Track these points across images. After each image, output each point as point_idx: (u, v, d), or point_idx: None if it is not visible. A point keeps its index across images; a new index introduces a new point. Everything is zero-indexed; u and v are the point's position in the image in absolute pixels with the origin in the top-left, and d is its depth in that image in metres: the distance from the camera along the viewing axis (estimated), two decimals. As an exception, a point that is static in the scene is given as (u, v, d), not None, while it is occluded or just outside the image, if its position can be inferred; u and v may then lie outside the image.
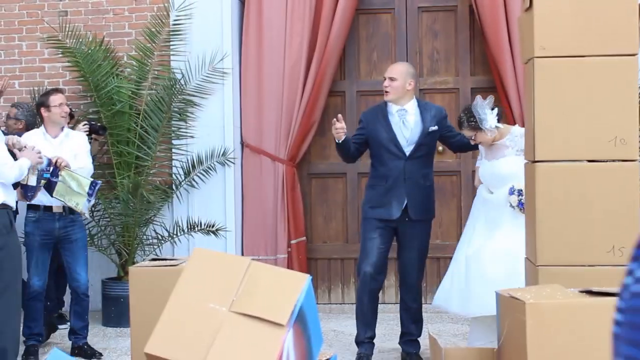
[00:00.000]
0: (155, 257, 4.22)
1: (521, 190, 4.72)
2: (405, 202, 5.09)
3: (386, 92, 5.14)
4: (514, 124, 5.97)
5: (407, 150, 5.10)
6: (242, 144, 6.73)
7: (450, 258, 6.56)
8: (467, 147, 5.38)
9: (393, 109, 5.16)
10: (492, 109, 4.82)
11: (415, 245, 5.15)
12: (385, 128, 5.12)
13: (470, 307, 4.68)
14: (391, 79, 5.11)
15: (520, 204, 4.67)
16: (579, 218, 3.50)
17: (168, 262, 3.88)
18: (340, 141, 5.04)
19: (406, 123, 5.14)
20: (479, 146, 5.05)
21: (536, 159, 3.55)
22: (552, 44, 3.52)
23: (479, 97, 4.87)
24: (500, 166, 4.86)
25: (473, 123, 4.84)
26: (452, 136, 5.32)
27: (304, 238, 6.75)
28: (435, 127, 5.19)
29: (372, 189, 5.19)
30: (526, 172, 3.80)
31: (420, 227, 5.17)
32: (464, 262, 4.83)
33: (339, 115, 5.07)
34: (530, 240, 3.68)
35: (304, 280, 2.84)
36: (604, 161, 3.50)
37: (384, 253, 5.15)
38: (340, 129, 4.99)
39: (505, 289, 3.03)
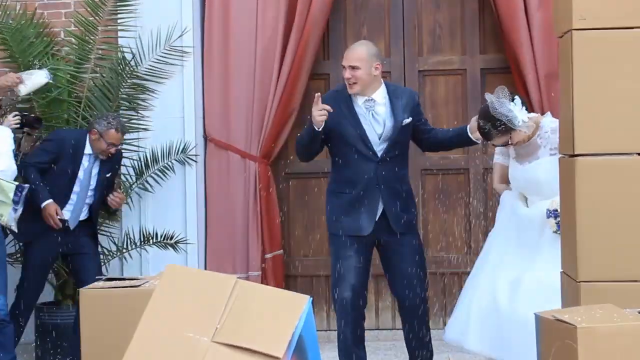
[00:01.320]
0: (110, 276, 4.14)
1: (557, 211, 4.67)
2: (379, 213, 5.05)
3: (349, 84, 5.05)
4: (534, 112, 5.94)
5: (379, 149, 5.06)
6: (206, 138, 6.69)
7: (458, 273, 6.67)
8: (441, 145, 5.36)
9: (359, 99, 5.11)
10: (512, 100, 4.78)
11: (406, 258, 5.09)
12: (352, 122, 5.05)
13: (504, 355, 4.63)
14: (352, 67, 5.02)
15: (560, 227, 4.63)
16: (629, 223, 3.46)
17: (128, 283, 3.81)
18: (320, 129, 4.96)
19: (376, 116, 5.09)
20: (504, 151, 5.00)
21: (576, 153, 3.52)
22: (595, 13, 3.48)
23: (490, 96, 4.79)
24: (536, 171, 4.81)
25: (503, 127, 4.73)
26: (426, 130, 5.27)
27: (281, 251, 6.73)
28: (409, 119, 5.13)
29: (335, 196, 5.14)
30: (562, 169, 3.77)
31: (407, 238, 5.12)
32: (492, 293, 4.76)
33: (317, 94, 4.99)
34: (568, 251, 3.66)
35: (303, 302, 2.84)
36: (658, 155, 3.48)
37: (364, 272, 5.09)
38: (323, 111, 4.90)
39: (547, 311, 2.99)
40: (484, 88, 6.69)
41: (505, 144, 4.88)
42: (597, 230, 3.49)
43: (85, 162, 5.82)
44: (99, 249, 6.33)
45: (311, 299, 2.88)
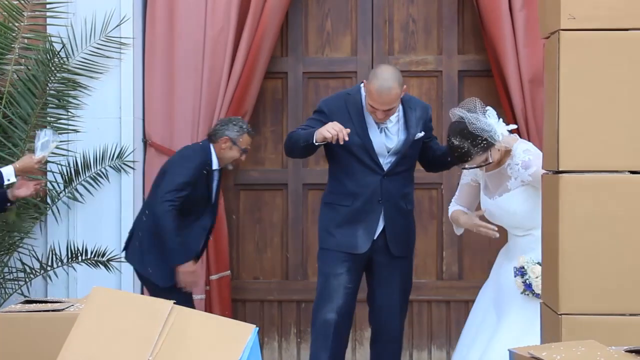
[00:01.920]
0: (29, 299, 4.11)
1: (523, 269, 4.73)
2: (379, 231, 5.14)
3: (380, 120, 5.14)
4: (515, 122, 5.98)
5: (386, 162, 5.15)
6: (145, 142, 6.68)
7: (428, 301, 6.69)
8: (445, 165, 5.44)
9: None
10: (485, 112, 4.81)
11: (397, 284, 5.19)
12: (359, 131, 5.13)
13: None
14: (387, 111, 5.10)
15: (528, 286, 4.69)
16: (617, 249, 3.48)
17: (50, 307, 3.75)
18: (317, 144, 5.01)
19: (387, 131, 5.14)
20: (477, 171, 5.01)
21: (560, 169, 3.54)
22: (585, 12, 3.50)
23: (459, 111, 4.78)
24: (510, 203, 4.84)
25: (484, 144, 4.71)
26: (433, 148, 5.39)
27: (228, 272, 6.73)
28: (422, 133, 5.25)
29: (332, 208, 5.21)
30: (545, 187, 3.79)
31: (402, 262, 5.22)
32: None
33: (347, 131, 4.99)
34: (549, 280, 3.67)
35: (248, 332, 2.84)
36: (652, 173, 3.50)
37: (353, 295, 5.19)
38: (336, 132, 4.92)
39: (523, 347, 3.00)
40: (461, 92, 6.78)
41: (484, 164, 4.83)
42: (581, 257, 3.49)
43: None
44: (20, 265, 6.31)
45: (257, 328, 2.88)
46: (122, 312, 2.83)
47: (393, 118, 5.16)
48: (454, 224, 5.19)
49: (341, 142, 4.92)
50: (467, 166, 4.85)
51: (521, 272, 4.71)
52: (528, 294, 4.72)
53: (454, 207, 5.18)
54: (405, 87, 5.18)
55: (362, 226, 5.11)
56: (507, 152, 4.84)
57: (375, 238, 5.14)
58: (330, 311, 5.09)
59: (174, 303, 2.89)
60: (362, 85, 5.30)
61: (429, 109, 5.43)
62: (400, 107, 5.20)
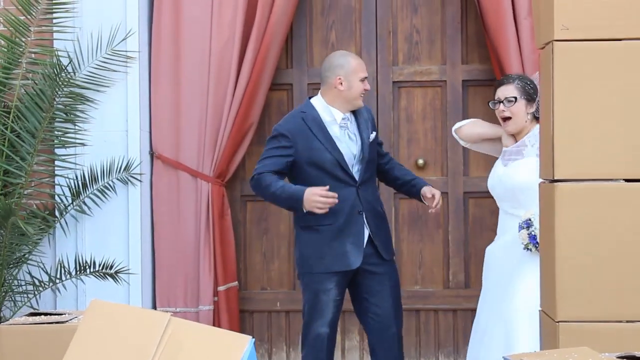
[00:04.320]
0: (35, 311, 4.13)
1: (529, 221, 4.76)
2: (365, 241, 5.16)
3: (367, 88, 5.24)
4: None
5: (356, 172, 5.17)
6: (152, 154, 6.68)
7: (435, 310, 6.70)
8: (391, 182, 5.54)
9: (335, 114, 5.22)
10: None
11: (389, 287, 5.22)
12: (328, 145, 5.15)
13: None
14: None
15: (533, 238, 4.71)
16: (614, 256, 3.50)
17: (53, 319, 3.79)
18: (305, 211, 5.05)
19: (350, 135, 5.20)
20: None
21: (556, 178, 3.56)
22: (579, 22, 3.52)
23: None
24: (517, 170, 4.99)
25: (530, 89, 5.11)
26: (382, 155, 5.47)
27: (236, 283, 6.71)
28: (374, 134, 5.31)
29: (311, 231, 5.17)
30: (541, 195, 3.81)
31: (390, 266, 5.29)
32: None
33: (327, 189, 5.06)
34: (547, 287, 3.68)
35: (244, 343, 2.83)
36: (647, 181, 3.51)
37: (340, 306, 5.23)
38: (326, 205, 4.98)
39: (516, 355, 3.01)
40: (466, 101, 6.76)
41: (504, 110, 5.13)
42: (578, 264, 3.51)
43: None
44: (29, 278, 6.31)
45: (253, 339, 2.88)
46: (120, 325, 2.82)
47: (348, 118, 5.22)
48: (464, 132, 5.39)
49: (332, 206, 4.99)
50: (506, 105, 5.11)
51: (527, 224, 4.74)
52: (531, 249, 4.74)
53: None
54: (339, 78, 5.27)
55: (350, 241, 5.11)
56: (527, 130, 5.07)
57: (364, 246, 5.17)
58: (323, 325, 5.12)
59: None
60: (310, 100, 5.35)
61: (370, 109, 5.49)
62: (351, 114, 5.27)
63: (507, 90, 5.16)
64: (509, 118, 5.11)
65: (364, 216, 5.16)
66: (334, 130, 5.19)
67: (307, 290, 5.22)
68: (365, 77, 5.27)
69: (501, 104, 5.16)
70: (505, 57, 6.41)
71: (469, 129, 5.34)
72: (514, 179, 4.98)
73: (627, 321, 3.50)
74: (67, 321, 3.73)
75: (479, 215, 6.73)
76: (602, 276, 3.51)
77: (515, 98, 5.10)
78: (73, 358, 2.78)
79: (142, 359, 2.76)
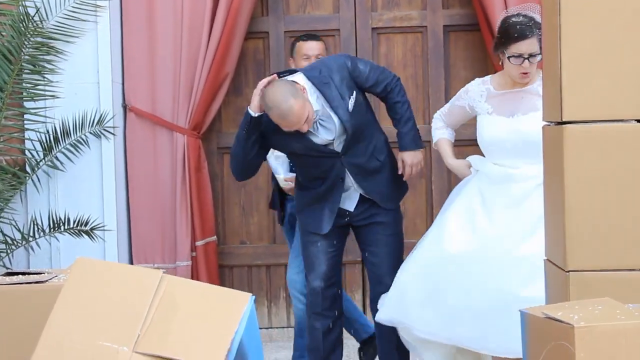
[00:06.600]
0: (10, 270, 3.99)
1: None
2: (356, 201, 5.11)
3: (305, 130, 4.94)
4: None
5: (339, 145, 5.02)
6: (125, 107, 6.62)
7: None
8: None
9: None
10: None
11: (386, 235, 5.15)
12: (296, 139, 4.93)
13: (490, 343, 4.50)
14: (305, 122, 4.82)
15: None
16: (626, 202, 3.38)
17: (32, 278, 3.66)
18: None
19: (323, 122, 4.96)
20: (476, 98, 4.88)
21: (564, 119, 3.42)
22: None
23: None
24: (532, 121, 4.54)
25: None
26: (377, 92, 5.20)
27: (215, 238, 6.73)
28: (354, 96, 4.99)
29: (304, 190, 5.23)
30: (547, 139, 3.67)
31: (391, 214, 5.19)
32: (471, 269, 4.63)
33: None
34: (554, 236, 3.56)
35: (244, 301, 2.76)
36: (661, 121, 3.42)
37: (336, 258, 5.19)
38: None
39: (536, 307, 2.90)
40: (447, 47, 6.72)
41: (535, 53, 4.64)
42: (588, 211, 3.40)
43: None
44: (1, 237, 6.23)
45: (254, 297, 2.80)
46: (109, 284, 2.74)
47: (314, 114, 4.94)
48: (437, 148, 5.19)
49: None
50: (530, 61, 4.67)
51: None
52: None
53: (441, 129, 5.13)
54: (303, 87, 4.87)
55: (328, 207, 5.09)
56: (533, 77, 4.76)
57: (357, 204, 5.11)
58: (316, 279, 5.15)
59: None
60: None
61: (344, 58, 5.12)
62: (316, 91, 4.94)
63: (533, 45, 4.64)
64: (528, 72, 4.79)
65: (352, 180, 5.05)
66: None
67: (300, 243, 5.32)
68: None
69: (526, 60, 4.68)
70: (489, 2, 6.30)
71: (439, 149, 5.15)
72: (532, 129, 4.48)
73: (642, 269, 3.40)
74: (47, 280, 3.64)
75: (462, 163, 6.66)
76: (613, 223, 3.40)
77: (540, 52, 4.59)
78: (59, 319, 2.71)
79: (133, 321, 2.70)
